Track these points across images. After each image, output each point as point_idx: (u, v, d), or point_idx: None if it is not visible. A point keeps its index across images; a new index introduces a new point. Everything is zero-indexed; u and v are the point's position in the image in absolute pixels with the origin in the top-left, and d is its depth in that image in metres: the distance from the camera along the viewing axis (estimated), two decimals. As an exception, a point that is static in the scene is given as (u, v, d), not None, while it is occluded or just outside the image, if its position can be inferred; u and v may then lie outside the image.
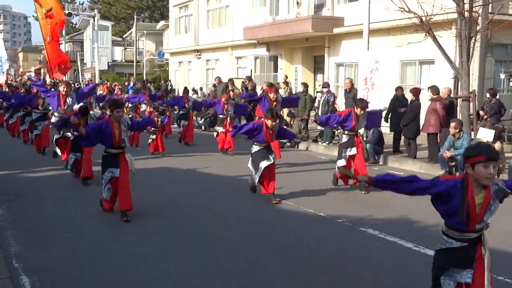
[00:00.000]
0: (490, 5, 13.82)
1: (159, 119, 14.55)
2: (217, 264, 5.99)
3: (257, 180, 8.87)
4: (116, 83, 34.51)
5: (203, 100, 20.00)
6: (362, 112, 10.02)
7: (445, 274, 4.05)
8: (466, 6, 12.40)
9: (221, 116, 14.82)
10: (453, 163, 11.37)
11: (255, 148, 9.00)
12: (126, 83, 33.79)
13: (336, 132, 15.96)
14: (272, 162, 8.85)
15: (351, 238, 7.07)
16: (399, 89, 14.20)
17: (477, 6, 12.88)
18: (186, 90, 18.35)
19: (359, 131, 10.40)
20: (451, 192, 3.89)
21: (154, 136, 14.28)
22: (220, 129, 14.59)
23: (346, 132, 10.14)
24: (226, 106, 14.63)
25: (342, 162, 9.99)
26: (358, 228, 7.41)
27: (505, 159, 11.16)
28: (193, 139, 16.42)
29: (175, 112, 22.72)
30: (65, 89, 12.47)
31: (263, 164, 8.73)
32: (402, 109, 13.35)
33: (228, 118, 14.52)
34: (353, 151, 10.00)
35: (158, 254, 6.28)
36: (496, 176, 10.70)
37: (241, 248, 6.57)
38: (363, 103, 10.18)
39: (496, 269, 5.11)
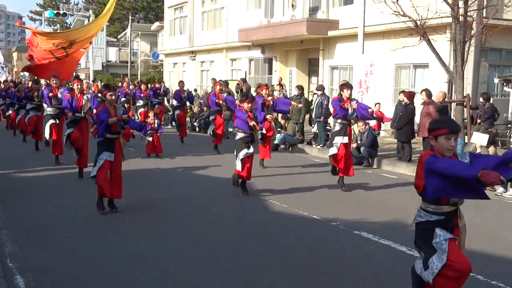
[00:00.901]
0: (485, 9, 13.90)
1: (156, 121, 14.34)
2: (217, 264, 6.04)
3: (239, 167, 9.42)
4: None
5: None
6: (350, 94, 10.04)
7: (434, 236, 4.14)
8: (461, 11, 12.48)
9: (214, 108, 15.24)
10: (446, 167, 11.40)
11: (239, 135, 9.58)
12: (120, 84, 33.71)
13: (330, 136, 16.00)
14: (252, 152, 9.57)
15: (346, 241, 7.08)
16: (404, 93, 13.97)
17: (472, 10, 12.96)
18: (182, 82, 18.46)
19: (352, 120, 10.47)
20: None
21: (150, 138, 14.14)
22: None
23: (339, 121, 10.12)
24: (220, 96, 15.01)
25: (333, 150, 10.03)
26: (352, 231, 7.43)
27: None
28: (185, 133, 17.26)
29: (169, 113, 22.87)
30: (79, 86, 11.29)
31: (242, 153, 9.39)
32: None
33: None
34: (345, 139, 10.03)
35: (158, 254, 6.32)
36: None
37: (241, 248, 6.61)
38: (350, 85, 10.47)
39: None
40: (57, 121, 12.44)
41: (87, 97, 11.09)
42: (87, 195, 8.95)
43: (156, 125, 14.07)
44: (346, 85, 10.34)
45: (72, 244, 6.68)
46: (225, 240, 6.94)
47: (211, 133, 15.35)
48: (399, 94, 14.00)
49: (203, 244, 6.75)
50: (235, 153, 9.57)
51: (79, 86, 11.16)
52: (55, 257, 6.20)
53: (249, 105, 9.58)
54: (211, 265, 5.98)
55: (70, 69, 14.96)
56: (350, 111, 9.96)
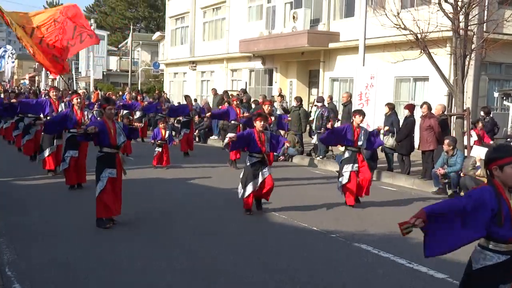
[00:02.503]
0: (485, 24, 13.96)
1: (167, 132, 14.12)
2: (209, 274, 5.99)
3: (240, 196, 8.93)
4: (110, 92, 34.43)
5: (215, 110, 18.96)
6: (361, 121, 9.77)
7: None
8: (462, 25, 12.52)
9: (233, 122, 14.78)
10: (446, 180, 11.42)
11: (250, 160, 8.91)
12: (121, 93, 33.75)
13: (330, 147, 16.01)
14: (261, 180, 8.80)
15: (346, 253, 7.06)
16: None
17: (472, 25, 13.01)
18: (189, 97, 17.73)
19: (361, 147, 9.98)
20: (485, 199, 3.58)
21: (160, 149, 13.85)
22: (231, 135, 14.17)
23: (348, 148, 9.87)
24: (239, 111, 14.61)
25: (344, 180, 9.73)
26: (352, 244, 7.41)
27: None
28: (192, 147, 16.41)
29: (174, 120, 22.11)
30: (78, 101, 10.67)
31: (249, 188, 8.76)
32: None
33: (241, 125, 14.15)
34: (354, 167, 9.69)
35: (152, 264, 6.27)
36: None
37: (239, 258, 6.57)
38: (363, 112, 10.04)
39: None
40: (56, 145, 11.62)
41: (86, 113, 10.53)
42: (85, 204, 8.91)
43: (167, 136, 13.91)
44: (359, 112, 9.97)
45: (69, 253, 6.64)
46: (220, 249, 6.91)
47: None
48: (385, 105, 14.07)
49: (195, 257, 6.73)
50: (240, 177, 9.04)
51: (78, 101, 10.53)
52: (53, 265, 6.16)
53: (262, 123, 8.88)
54: (199, 273, 5.96)
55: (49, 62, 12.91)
56: (360, 141, 9.73)
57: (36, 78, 63.66)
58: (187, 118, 16.46)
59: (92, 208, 8.05)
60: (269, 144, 9.04)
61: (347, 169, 9.72)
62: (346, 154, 9.89)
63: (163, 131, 14.02)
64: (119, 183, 7.98)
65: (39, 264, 6.18)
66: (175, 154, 15.40)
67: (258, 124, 8.86)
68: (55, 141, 11.67)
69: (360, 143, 9.77)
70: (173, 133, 17.70)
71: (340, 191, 9.93)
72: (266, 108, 12.11)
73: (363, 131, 9.85)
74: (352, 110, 13.77)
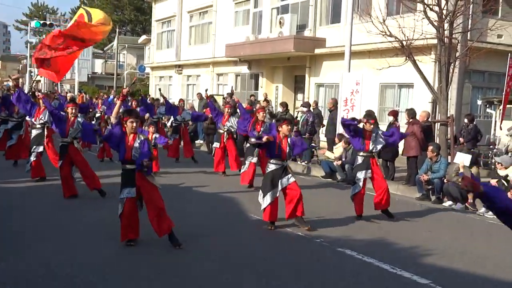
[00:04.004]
0: (469, 32, 14.13)
1: (155, 136, 12.63)
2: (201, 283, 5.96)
3: (263, 207, 8.24)
4: (98, 95, 34.18)
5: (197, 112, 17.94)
6: (372, 127, 9.11)
7: None
8: (446, 33, 12.65)
9: (219, 131, 13.46)
10: (429, 187, 11.52)
11: (270, 167, 8.30)
12: (106, 96, 33.54)
13: (315, 153, 16.07)
14: (280, 188, 8.18)
15: (330, 258, 7.08)
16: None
17: (457, 33, 13.15)
18: (182, 101, 17.36)
19: (374, 151, 9.33)
20: None
21: None
22: (216, 144, 13.48)
23: (361, 153, 9.22)
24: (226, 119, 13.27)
25: (357, 188, 9.12)
26: (336, 249, 7.44)
27: (481, 184, 11.31)
28: (192, 154, 15.77)
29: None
30: (73, 111, 10.22)
31: (267, 199, 8.15)
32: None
33: (225, 133, 13.26)
34: (368, 173, 9.10)
35: (142, 271, 6.24)
36: (472, 201, 10.73)
37: (222, 262, 6.56)
38: (373, 117, 9.25)
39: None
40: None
41: (78, 122, 10.01)
42: (67, 205, 8.90)
43: (153, 141, 12.22)
44: (371, 116, 9.19)
45: (51, 256, 6.58)
46: (201, 248, 6.91)
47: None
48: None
49: (181, 255, 6.71)
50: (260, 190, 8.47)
51: (73, 111, 10.06)
52: (33, 268, 6.10)
53: (288, 127, 8.23)
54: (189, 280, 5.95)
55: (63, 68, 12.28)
56: (371, 145, 9.10)
57: (20, 80, 63.01)
58: (176, 123, 16.20)
59: (74, 209, 8.02)
60: (294, 148, 8.40)
61: (360, 176, 9.12)
62: (359, 160, 9.26)
63: (151, 135, 13.20)
64: (152, 201, 6.95)
65: (20, 269, 6.12)
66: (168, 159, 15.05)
67: (285, 129, 8.23)
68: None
69: (371, 146, 9.15)
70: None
71: (351, 199, 9.32)
72: (260, 116, 11.79)
73: (375, 134, 9.17)
74: (337, 117, 13.88)
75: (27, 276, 5.89)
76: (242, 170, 12.10)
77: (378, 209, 9.33)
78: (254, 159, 11.77)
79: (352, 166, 13.26)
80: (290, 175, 8.25)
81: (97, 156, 15.05)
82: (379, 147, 9.26)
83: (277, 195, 8.17)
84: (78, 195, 10.04)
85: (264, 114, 12.02)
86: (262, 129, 11.36)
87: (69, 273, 6.02)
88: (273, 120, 10.91)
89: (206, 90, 16.39)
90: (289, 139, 8.34)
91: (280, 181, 8.17)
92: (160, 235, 6.93)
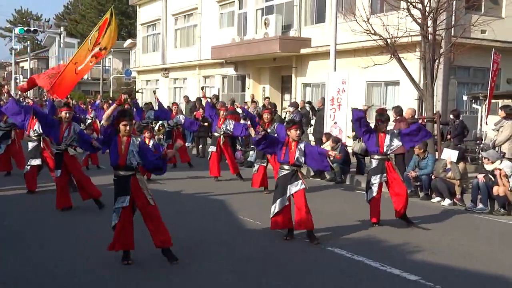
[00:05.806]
0: (453, 29, 14.20)
1: (151, 141, 12.00)
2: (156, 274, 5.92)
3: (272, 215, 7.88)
4: (88, 100, 33.97)
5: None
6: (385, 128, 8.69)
7: None
8: (430, 30, 12.70)
9: (215, 134, 13.16)
10: (418, 183, 11.57)
11: (280, 172, 7.91)
12: (92, 101, 33.37)
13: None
14: (288, 195, 7.75)
15: (319, 257, 7.08)
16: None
17: (440, 29, 13.21)
18: (176, 105, 17.04)
19: (389, 153, 8.92)
20: None
21: None
22: (213, 148, 13.15)
23: (375, 156, 8.78)
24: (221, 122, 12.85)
25: (372, 193, 8.74)
26: (325, 248, 7.44)
27: (469, 179, 11.40)
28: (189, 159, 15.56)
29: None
30: (67, 115, 9.83)
31: (277, 206, 7.78)
32: None
33: (222, 136, 12.98)
34: (383, 177, 8.67)
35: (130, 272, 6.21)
36: (459, 197, 10.78)
37: (212, 263, 6.53)
38: (388, 116, 8.91)
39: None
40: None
41: (74, 130, 9.51)
42: (55, 214, 8.85)
43: (150, 146, 11.35)
44: (383, 116, 8.77)
45: (50, 257, 6.58)
46: (196, 256, 6.89)
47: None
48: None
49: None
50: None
51: (67, 115, 9.55)
52: (33, 269, 6.10)
53: (298, 132, 7.72)
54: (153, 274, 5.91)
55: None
56: (386, 146, 8.63)
57: (5, 87, 62.58)
58: (169, 128, 15.98)
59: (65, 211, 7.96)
60: (310, 159, 7.76)
61: (375, 181, 8.71)
62: (373, 163, 8.83)
63: (147, 141, 11.75)
64: (148, 211, 6.58)
65: (13, 269, 6.07)
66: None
67: (294, 133, 7.70)
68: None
69: (385, 148, 8.67)
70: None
71: (369, 204, 8.90)
72: (265, 117, 11.44)
73: (390, 134, 8.73)
74: (324, 116, 13.89)
75: (27, 276, 5.91)
76: (252, 173, 11.91)
77: (398, 216, 8.87)
78: (264, 162, 11.56)
79: (341, 165, 13.37)
80: (300, 181, 7.73)
81: (82, 163, 14.82)
82: (394, 148, 8.76)
83: (287, 203, 7.76)
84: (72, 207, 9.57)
85: (268, 116, 11.49)
86: (269, 130, 10.84)
87: (69, 273, 6.01)
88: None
89: (203, 89, 16.31)
90: (302, 145, 7.75)
91: (288, 187, 7.74)
92: (156, 246, 6.61)
